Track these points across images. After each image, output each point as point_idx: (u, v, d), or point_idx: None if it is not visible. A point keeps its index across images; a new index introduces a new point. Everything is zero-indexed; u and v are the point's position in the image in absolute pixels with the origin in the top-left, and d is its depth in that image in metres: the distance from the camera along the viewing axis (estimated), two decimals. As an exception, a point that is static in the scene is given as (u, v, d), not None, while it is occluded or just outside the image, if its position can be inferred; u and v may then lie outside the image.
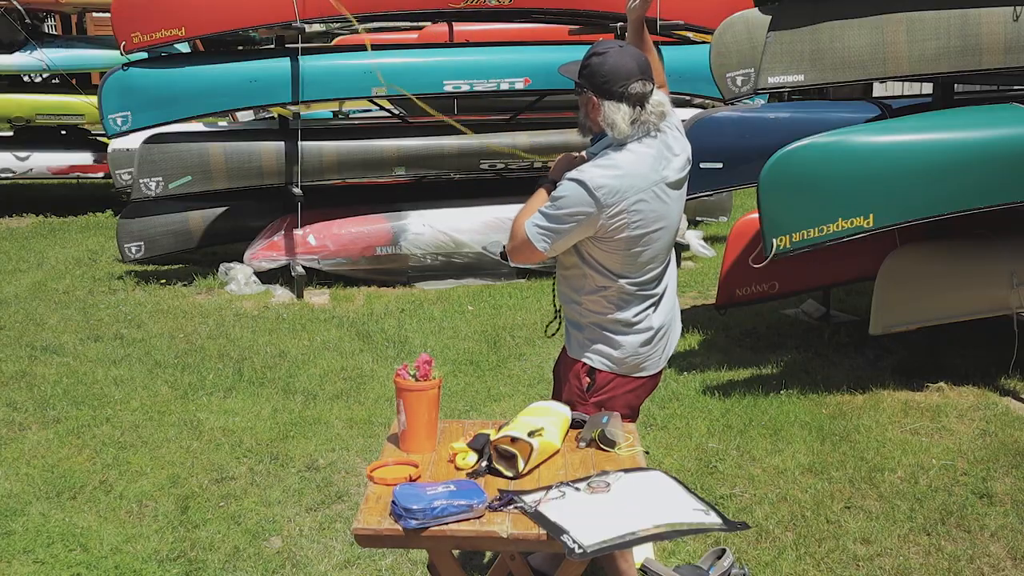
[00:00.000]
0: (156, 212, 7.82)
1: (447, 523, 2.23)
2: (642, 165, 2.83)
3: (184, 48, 9.31)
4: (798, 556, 3.56)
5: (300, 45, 7.19)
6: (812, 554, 3.57)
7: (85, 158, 10.80)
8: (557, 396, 3.03)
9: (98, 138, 10.92)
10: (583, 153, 3.04)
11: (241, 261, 7.58)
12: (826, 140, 4.65)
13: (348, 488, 4.14)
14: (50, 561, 3.56)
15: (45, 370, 5.63)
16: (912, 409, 4.91)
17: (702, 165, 5.59)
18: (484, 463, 2.52)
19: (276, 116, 8.71)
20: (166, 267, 8.11)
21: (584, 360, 2.99)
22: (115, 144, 9.38)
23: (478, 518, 2.26)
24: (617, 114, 2.80)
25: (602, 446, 2.66)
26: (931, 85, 5.56)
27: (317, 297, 7.28)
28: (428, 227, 7.58)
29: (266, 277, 7.55)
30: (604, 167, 2.81)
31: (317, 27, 7.22)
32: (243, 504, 4.00)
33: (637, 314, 2.95)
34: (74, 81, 10.40)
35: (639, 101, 2.81)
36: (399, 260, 7.62)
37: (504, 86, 7.54)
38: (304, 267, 7.40)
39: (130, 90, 7.00)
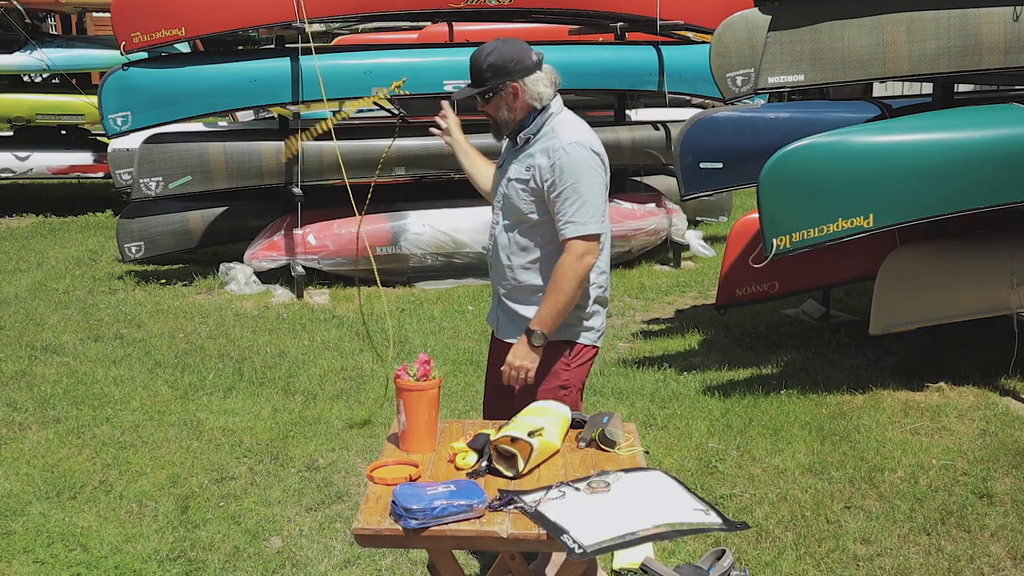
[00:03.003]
0: (156, 212, 7.82)
1: (447, 523, 2.23)
2: (583, 122, 3.04)
3: (184, 48, 9.31)
4: (798, 556, 3.56)
5: (301, 45, 7.19)
6: (812, 554, 3.57)
7: (85, 158, 10.81)
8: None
9: (98, 138, 10.93)
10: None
11: (241, 261, 7.58)
12: (826, 140, 4.65)
13: (348, 488, 4.14)
14: (50, 561, 3.56)
15: (45, 370, 5.63)
16: (912, 409, 4.91)
17: (702, 165, 5.59)
18: (484, 463, 2.52)
19: (276, 116, 8.71)
20: (166, 267, 8.11)
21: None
22: (115, 144, 9.38)
23: (478, 518, 2.26)
24: (540, 83, 2.96)
25: (602, 446, 2.66)
26: (931, 85, 5.56)
27: (317, 297, 7.28)
28: (428, 227, 7.58)
29: (266, 277, 7.55)
30: (573, 128, 2.96)
31: (317, 27, 7.21)
32: (243, 504, 4.00)
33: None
34: (74, 81, 10.40)
35: (541, 66, 2.99)
36: (399, 260, 7.62)
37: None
38: (304, 267, 7.41)
39: (130, 90, 7.01)
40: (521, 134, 2.99)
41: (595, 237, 2.90)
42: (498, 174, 3.17)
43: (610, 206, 3.05)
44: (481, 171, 3.32)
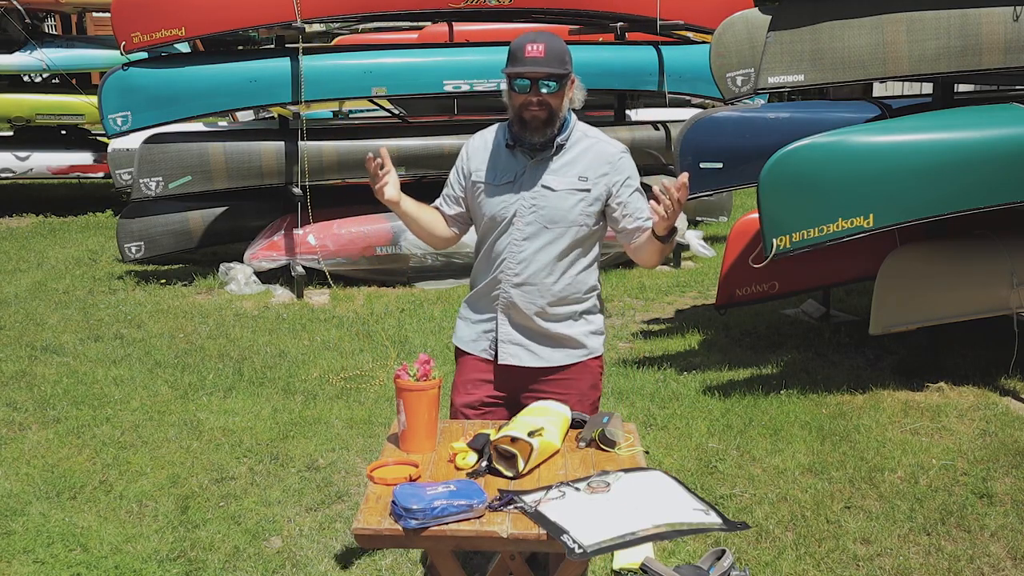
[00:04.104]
0: (156, 212, 7.83)
1: (447, 523, 2.23)
2: None
3: (184, 48, 9.32)
4: (798, 556, 3.56)
5: (301, 45, 7.19)
6: (812, 554, 3.57)
7: (85, 158, 10.82)
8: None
9: (98, 138, 10.93)
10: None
11: (241, 261, 7.58)
12: (826, 140, 4.65)
13: (348, 488, 4.14)
14: (50, 561, 3.56)
15: (45, 370, 5.63)
16: (912, 409, 4.91)
17: (702, 165, 5.59)
18: (484, 463, 2.51)
19: (276, 116, 8.71)
20: (166, 267, 8.11)
21: (601, 352, 3.05)
22: (115, 144, 9.38)
23: (478, 518, 2.26)
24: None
25: (602, 446, 2.66)
26: (931, 85, 5.57)
27: (317, 297, 7.28)
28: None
29: (266, 277, 7.55)
30: (602, 133, 2.97)
31: (317, 27, 7.22)
32: (243, 504, 4.00)
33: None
34: (74, 81, 10.40)
35: None
36: (399, 260, 7.62)
37: (504, 86, 7.54)
38: (304, 267, 7.41)
39: (130, 90, 7.01)
40: (559, 138, 2.88)
41: None
42: (503, 190, 2.89)
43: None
44: (432, 219, 3.03)
